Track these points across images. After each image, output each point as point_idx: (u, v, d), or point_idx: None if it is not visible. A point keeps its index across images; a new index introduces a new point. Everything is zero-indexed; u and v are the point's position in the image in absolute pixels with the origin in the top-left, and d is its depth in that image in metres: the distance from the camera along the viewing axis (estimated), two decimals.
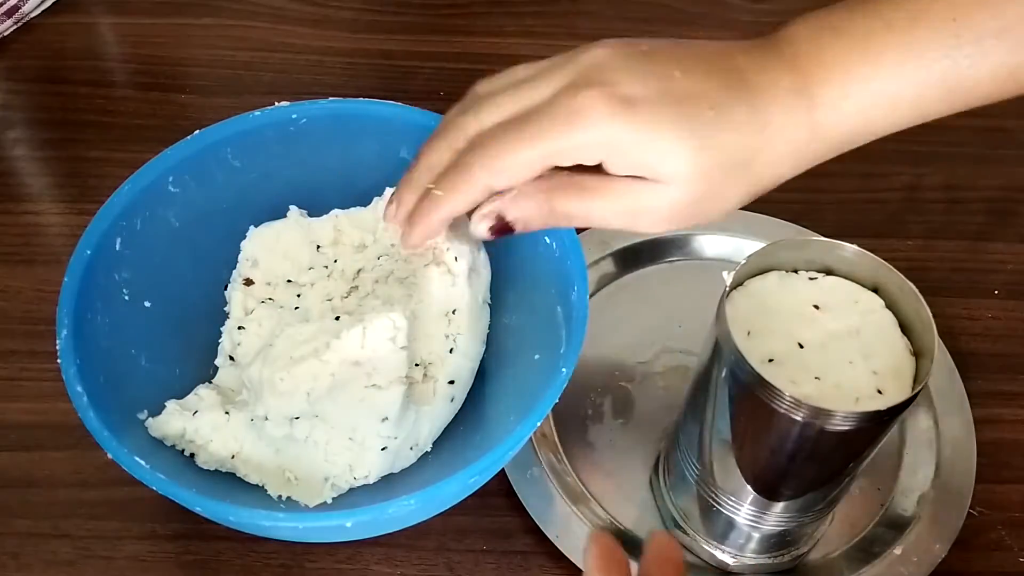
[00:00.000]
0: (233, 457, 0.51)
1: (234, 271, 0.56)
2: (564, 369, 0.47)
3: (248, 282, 0.55)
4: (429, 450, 0.53)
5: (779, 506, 0.50)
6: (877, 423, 0.43)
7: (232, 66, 0.78)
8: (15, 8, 0.77)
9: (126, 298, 0.52)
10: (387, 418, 0.49)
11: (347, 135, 0.57)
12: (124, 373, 0.51)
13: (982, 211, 0.73)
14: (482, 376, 0.55)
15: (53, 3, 0.80)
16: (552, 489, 0.56)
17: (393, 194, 0.46)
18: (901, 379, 0.45)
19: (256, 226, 0.56)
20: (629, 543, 0.55)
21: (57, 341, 0.47)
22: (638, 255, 0.66)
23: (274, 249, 0.56)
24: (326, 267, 0.56)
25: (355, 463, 0.50)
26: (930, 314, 0.45)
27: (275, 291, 0.55)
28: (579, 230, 0.52)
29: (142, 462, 0.45)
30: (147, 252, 0.53)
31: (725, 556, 0.54)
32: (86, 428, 0.45)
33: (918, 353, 0.46)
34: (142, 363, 0.52)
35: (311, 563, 0.54)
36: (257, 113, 0.56)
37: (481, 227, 0.42)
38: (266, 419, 0.49)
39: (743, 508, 0.50)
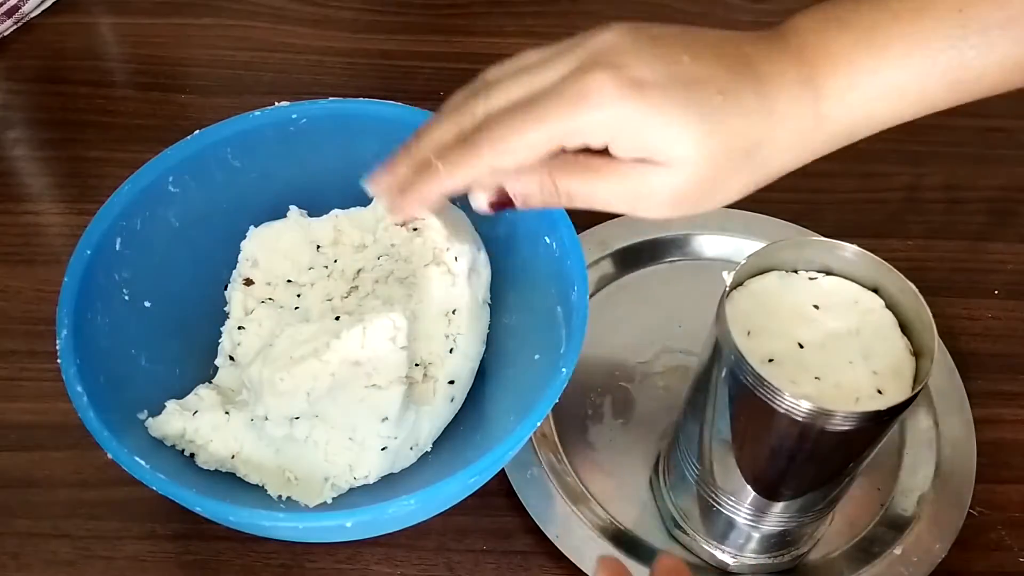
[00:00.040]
0: (233, 457, 0.51)
1: (234, 271, 0.56)
2: (564, 369, 0.47)
3: (248, 282, 0.55)
4: (429, 450, 0.53)
5: (779, 506, 0.50)
6: (877, 423, 0.43)
7: (232, 66, 0.78)
8: (15, 8, 0.77)
9: (126, 298, 0.52)
10: (387, 418, 0.49)
11: (347, 135, 0.57)
12: (124, 373, 0.51)
13: (982, 211, 0.73)
14: (482, 376, 0.55)
15: (53, 3, 0.80)
16: (552, 489, 0.56)
17: (385, 163, 0.44)
18: (901, 379, 0.45)
19: (256, 226, 0.56)
20: (629, 543, 0.55)
21: (57, 341, 0.47)
22: (638, 255, 0.66)
23: (274, 249, 0.56)
24: (326, 267, 0.56)
25: (355, 463, 0.50)
26: (930, 314, 0.45)
27: (275, 291, 0.55)
28: (579, 230, 0.52)
29: (142, 462, 0.45)
30: (147, 252, 0.53)
31: (725, 556, 0.54)
32: (86, 428, 0.45)
33: (918, 353, 0.46)
34: (142, 363, 0.52)
35: (311, 563, 0.54)
36: (257, 113, 0.56)
37: (481, 198, 0.42)
38: (266, 419, 0.49)
39: (743, 508, 0.50)
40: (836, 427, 0.43)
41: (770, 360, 0.45)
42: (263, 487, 0.51)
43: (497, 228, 0.56)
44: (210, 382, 0.55)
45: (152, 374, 0.53)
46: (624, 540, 0.55)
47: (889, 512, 0.57)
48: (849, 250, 0.47)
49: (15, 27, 0.78)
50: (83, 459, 0.56)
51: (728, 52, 0.41)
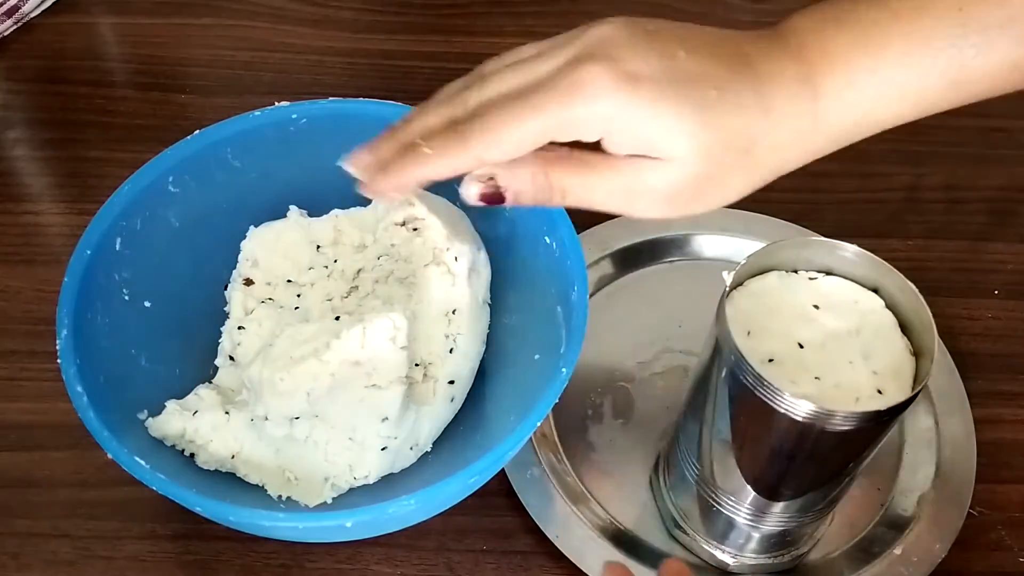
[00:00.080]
0: (233, 457, 0.51)
1: (234, 271, 0.56)
2: (564, 369, 0.47)
3: (248, 282, 0.55)
4: (429, 450, 0.53)
5: (779, 506, 0.50)
6: (877, 423, 0.43)
7: (232, 66, 0.78)
8: (15, 8, 0.77)
9: (126, 298, 0.52)
10: (387, 418, 0.49)
11: (347, 135, 0.57)
12: (124, 373, 0.51)
13: (982, 211, 0.73)
14: (482, 376, 0.55)
15: (53, 3, 0.80)
16: (552, 489, 0.56)
17: (366, 144, 0.43)
18: (901, 379, 0.45)
19: (256, 226, 0.56)
20: (629, 543, 0.55)
21: (57, 341, 0.47)
22: (638, 255, 0.66)
23: (274, 249, 0.56)
24: (326, 267, 0.56)
25: (355, 463, 0.50)
26: (930, 314, 0.45)
27: (275, 291, 0.55)
28: (579, 230, 0.52)
29: (142, 462, 0.45)
30: (147, 252, 0.53)
31: (725, 556, 0.54)
32: (86, 428, 0.45)
33: (918, 353, 0.46)
34: (142, 363, 0.52)
35: (311, 563, 0.54)
36: (257, 113, 0.56)
37: (472, 190, 0.41)
38: (266, 419, 0.49)
39: (743, 508, 0.50)
40: (836, 427, 0.43)
41: (770, 360, 0.45)
42: (263, 487, 0.51)
43: (497, 228, 0.56)
44: (210, 382, 0.55)
45: (152, 374, 0.53)
46: (624, 540, 0.55)
47: (889, 512, 0.57)
48: (849, 250, 0.47)
49: (15, 27, 0.78)
50: (83, 459, 0.56)
51: (726, 50, 0.40)
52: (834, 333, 0.46)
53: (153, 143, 0.55)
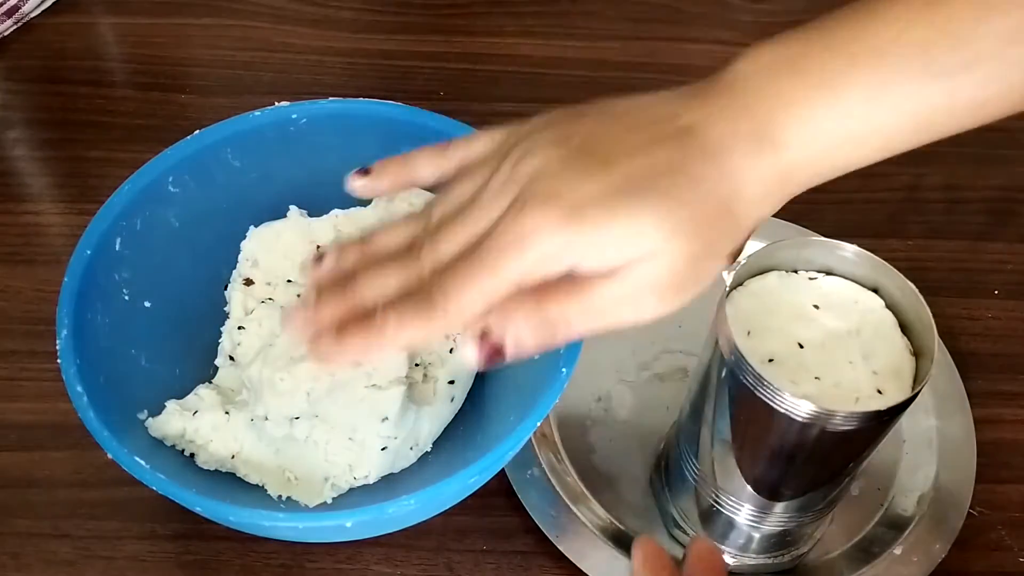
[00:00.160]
0: (233, 457, 0.51)
1: (234, 271, 0.56)
2: (564, 369, 0.47)
3: (248, 282, 0.55)
4: (429, 450, 0.53)
5: (779, 506, 0.50)
6: (877, 423, 0.43)
7: (232, 66, 0.78)
8: (15, 8, 0.77)
9: (126, 298, 0.52)
10: (387, 418, 0.49)
11: (347, 135, 0.57)
12: (124, 373, 0.51)
13: (982, 211, 0.73)
14: (482, 376, 0.55)
15: (53, 3, 0.80)
16: (552, 489, 0.56)
17: (307, 292, 0.42)
18: (901, 379, 0.45)
19: (256, 226, 0.56)
20: (629, 543, 0.54)
21: (57, 341, 0.47)
22: None
23: (274, 249, 0.56)
24: None
25: (355, 463, 0.50)
26: (930, 314, 0.45)
27: (275, 291, 0.55)
28: None
29: (142, 462, 0.45)
30: (147, 252, 0.53)
31: (725, 556, 0.54)
32: (86, 428, 0.45)
33: (918, 353, 0.46)
34: (142, 363, 0.52)
35: (311, 563, 0.54)
36: (257, 113, 0.56)
37: (469, 353, 0.39)
38: (266, 419, 0.49)
39: (743, 508, 0.50)
40: (836, 427, 0.43)
41: (770, 360, 0.45)
42: (263, 487, 0.51)
43: None
44: (210, 382, 0.55)
45: (152, 374, 0.53)
46: (624, 540, 0.55)
47: (889, 512, 0.57)
48: (849, 250, 0.47)
49: (15, 27, 0.78)
50: (83, 459, 0.56)
51: (666, 132, 0.39)
52: (834, 333, 0.46)
53: (153, 143, 0.55)
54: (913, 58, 0.38)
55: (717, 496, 0.51)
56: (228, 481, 0.51)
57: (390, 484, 0.52)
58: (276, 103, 0.56)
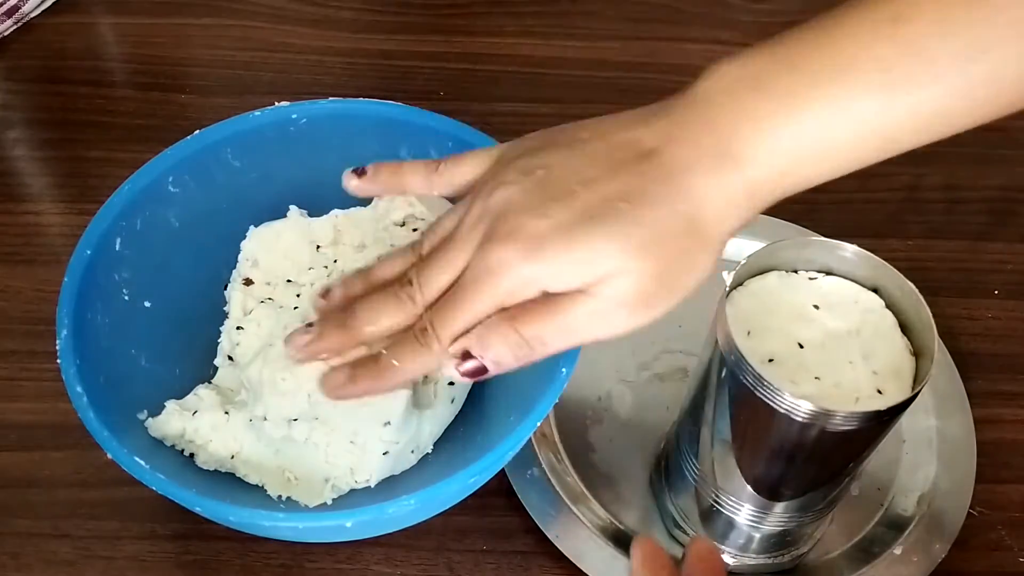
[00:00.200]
0: (233, 457, 0.51)
1: (234, 271, 0.56)
2: (564, 369, 0.47)
3: (248, 282, 0.55)
4: (430, 451, 0.53)
5: (779, 506, 0.50)
6: (877, 423, 0.43)
7: (232, 66, 0.78)
8: (15, 8, 0.77)
9: (126, 298, 0.52)
10: (389, 423, 0.49)
11: (347, 135, 0.57)
12: (124, 373, 0.51)
13: (982, 211, 0.73)
14: None
15: (53, 3, 0.80)
16: (552, 489, 0.56)
17: (314, 328, 0.46)
18: (901, 379, 0.45)
19: (256, 226, 0.56)
20: (629, 543, 0.54)
21: (57, 341, 0.47)
22: None
23: (274, 249, 0.56)
24: (326, 267, 0.56)
25: (356, 467, 0.50)
26: (930, 314, 0.45)
27: (275, 291, 0.55)
28: None
29: (142, 462, 0.45)
30: (147, 252, 0.53)
31: (725, 556, 0.54)
32: (86, 428, 0.45)
33: (918, 353, 0.46)
34: (142, 363, 0.52)
35: (311, 563, 0.54)
36: (257, 113, 0.56)
37: (452, 372, 0.42)
38: (265, 419, 0.49)
39: (743, 508, 0.50)
40: (836, 427, 0.43)
41: (770, 360, 0.45)
42: (263, 487, 0.51)
43: None
44: (209, 382, 0.54)
45: (152, 374, 0.53)
46: (624, 540, 0.55)
47: (889, 512, 0.57)
48: (849, 250, 0.47)
49: (15, 27, 0.78)
50: (83, 459, 0.56)
51: (626, 156, 0.40)
52: (834, 333, 0.46)
53: (153, 143, 0.55)
54: (875, 74, 0.38)
55: (717, 496, 0.51)
56: (228, 481, 0.51)
57: (390, 484, 0.52)
58: (276, 103, 0.57)
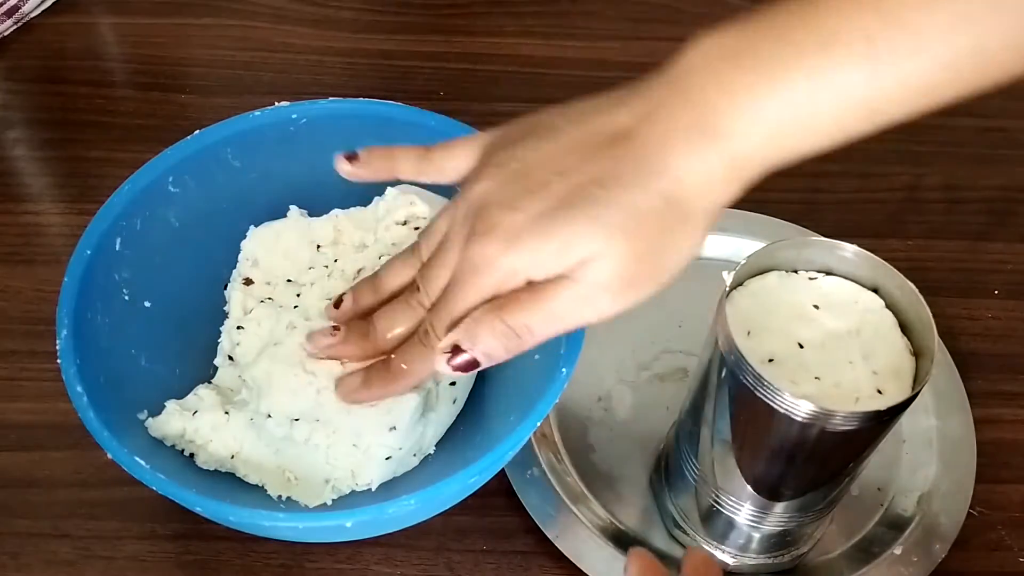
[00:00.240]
0: (233, 457, 0.51)
1: (234, 271, 0.56)
2: (564, 369, 0.47)
3: (248, 282, 0.55)
4: (431, 452, 0.53)
5: (779, 506, 0.50)
6: (877, 423, 0.43)
7: (232, 66, 0.78)
8: (15, 8, 0.77)
9: (126, 298, 0.52)
10: (395, 428, 0.49)
11: (347, 135, 0.57)
12: (124, 373, 0.51)
13: (982, 211, 0.73)
14: (482, 376, 0.55)
15: (53, 3, 0.80)
16: (552, 489, 0.56)
17: (340, 334, 0.49)
18: (901, 379, 0.45)
19: (256, 226, 0.56)
20: (629, 543, 0.55)
21: (57, 341, 0.47)
22: None
23: (274, 249, 0.56)
24: (326, 267, 0.56)
25: (358, 470, 0.50)
26: (930, 314, 0.45)
27: (275, 291, 0.55)
28: None
29: (142, 462, 0.45)
30: (147, 252, 0.53)
31: (725, 556, 0.54)
32: (86, 428, 0.45)
33: (918, 353, 0.46)
34: (142, 363, 0.52)
35: (311, 563, 0.54)
36: (257, 113, 0.56)
37: (445, 368, 0.43)
38: (268, 416, 0.49)
39: (743, 508, 0.50)
40: (836, 427, 0.43)
41: (770, 360, 0.45)
42: (263, 487, 0.51)
43: None
44: (209, 382, 0.54)
45: (152, 374, 0.53)
46: (624, 540, 0.55)
47: (889, 512, 0.57)
48: (849, 250, 0.47)
49: (15, 27, 0.78)
50: (83, 459, 0.56)
51: (599, 141, 0.41)
52: (834, 333, 0.46)
53: (153, 143, 0.55)
54: (859, 45, 0.38)
55: (717, 496, 0.51)
56: (228, 481, 0.51)
57: (390, 484, 0.52)
58: (276, 103, 0.57)
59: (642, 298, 0.41)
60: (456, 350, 0.42)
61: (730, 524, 0.52)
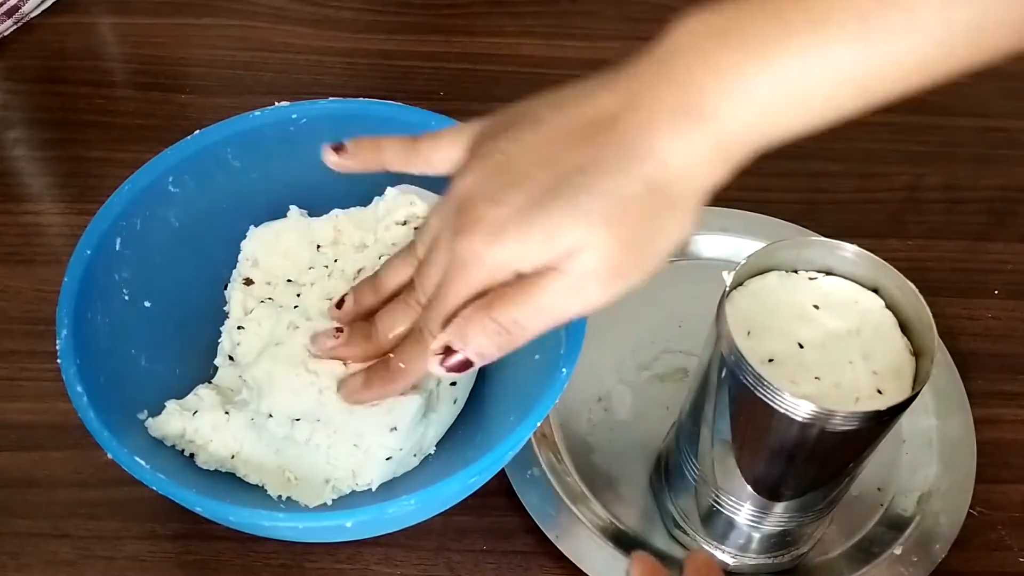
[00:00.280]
0: (233, 457, 0.51)
1: (234, 271, 0.56)
2: (564, 369, 0.47)
3: (248, 282, 0.55)
4: (431, 452, 0.53)
5: (779, 506, 0.50)
6: (877, 423, 0.43)
7: (232, 66, 0.78)
8: (15, 8, 0.77)
9: (126, 298, 0.52)
10: (396, 428, 0.49)
11: (347, 135, 0.57)
12: (124, 373, 0.51)
13: (982, 211, 0.73)
14: (482, 376, 0.55)
15: (53, 3, 0.80)
16: (552, 489, 0.56)
17: (343, 335, 0.49)
18: (901, 379, 0.45)
19: (256, 226, 0.56)
20: (629, 543, 0.55)
21: (57, 341, 0.47)
22: None
23: (274, 249, 0.56)
24: (326, 267, 0.56)
25: (358, 470, 0.50)
26: (930, 314, 0.45)
27: (275, 291, 0.55)
28: None
29: (142, 462, 0.45)
30: (147, 252, 0.53)
31: (725, 556, 0.54)
32: (86, 428, 0.45)
33: (918, 353, 0.46)
34: (142, 363, 0.52)
35: (311, 563, 0.54)
36: (257, 113, 0.56)
37: (438, 370, 0.43)
38: (270, 416, 0.49)
39: (743, 508, 0.50)
40: (836, 427, 0.43)
41: (770, 360, 0.45)
42: (263, 487, 0.51)
43: None
44: (210, 382, 0.54)
45: (152, 374, 0.53)
46: (624, 540, 0.55)
47: (889, 512, 0.57)
48: (849, 250, 0.47)
49: (15, 27, 0.78)
50: (83, 459, 0.56)
51: (582, 128, 0.40)
52: (834, 333, 0.46)
53: (153, 143, 0.55)
54: (852, 23, 0.37)
55: (717, 496, 0.51)
56: (228, 481, 0.51)
57: (390, 484, 0.52)
58: (276, 103, 0.56)
59: (632, 286, 0.41)
60: (448, 351, 0.42)
61: (730, 524, 0.52)
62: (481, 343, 0.42)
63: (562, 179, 0.40)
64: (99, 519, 0.55)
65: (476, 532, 0.55)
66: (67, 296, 0.49)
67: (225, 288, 0.56)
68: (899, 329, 0.46)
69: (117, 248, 0.52)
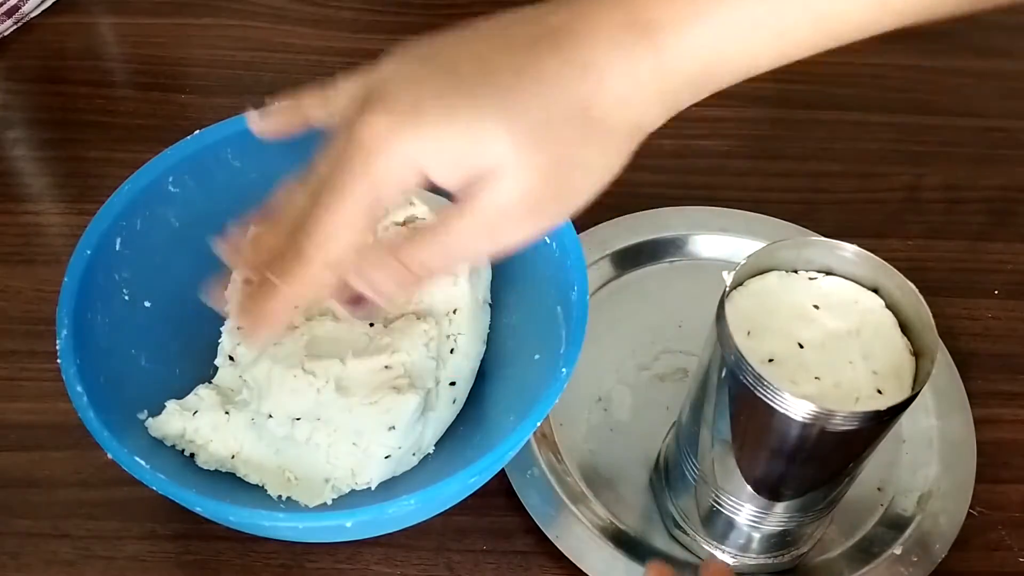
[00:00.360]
0: (233, 457, 0.51)
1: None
2: (564, 369, 0.47)
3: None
4: (431, 452, 0.53)
5: (779, 506, 0.50)
6: (877, 423, 0.43)
7: (232, 66, 0.78)
8: (15, 8, 0.77)
9: (126, 298, 0.52)
10: (394, 427, 0.49)
11: None
12: (124, 373, 0.51)
13: (982, 211, 0.73)
14: (482, 376, 0.55)
15: (53, 3, 0.80)
16: (552, 489, 0.56)
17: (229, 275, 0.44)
18: (901, 379, 0.45)
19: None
20: (629, 543, 0.55)
21: (57, 341, 0.47)
22: (638, 255, 0.66)
23: None
24: None
25: (357, 468, 0.50)
26: (930, 314, 0.45)
27: None
28: (579, 230, 0.52)
29: (142, 462, 0.45)
30: (147, 252, 0.53)
31: (725, 556, 0.54)
32: (86, 428, 0.45)
33: (918, 353, 0.46)
34: (142, 363, 0.52)
35: (311, 563, 0.54)
36: None
37: (346, 312, 0.40)
38: (270, 416, 0.49)
39: (743, 508, 0.50)
40: (836, 427, 0.43)
41: (770, 360, 0.45)
42: (263, 487, 0.51)
43: None
44: (210, 382, 0.54)
45: (152, 374, 0.53)
46: (624, 540, 0.55)
47: (889, 512, 0.57)
48: (849, 250, 0.47)
49: (15, 27, 0.78)
50: (83, 459, 0.56)
51: (526, 32, 0.37)
52: (834, 333, 0.46)
53: (153, 143, 0.55)
54: None
55: (717, 496, 0.51)
56: (228, 481, 0.51)
57: (390, 484, 0.52)
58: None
59: (546, 227, 0.37)
60: (352, 295, 0.38)
61: (730, 524, 0.52)
62: (381, 282, 0.38)
63: (494, 75, 0.35)
64: (99, 519, 0.55)
65: (476, 532, 0.55)
66: (67, 296, 0.49)
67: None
68: (899, 329, 0.46)
69: (117, 248, 0.52)
